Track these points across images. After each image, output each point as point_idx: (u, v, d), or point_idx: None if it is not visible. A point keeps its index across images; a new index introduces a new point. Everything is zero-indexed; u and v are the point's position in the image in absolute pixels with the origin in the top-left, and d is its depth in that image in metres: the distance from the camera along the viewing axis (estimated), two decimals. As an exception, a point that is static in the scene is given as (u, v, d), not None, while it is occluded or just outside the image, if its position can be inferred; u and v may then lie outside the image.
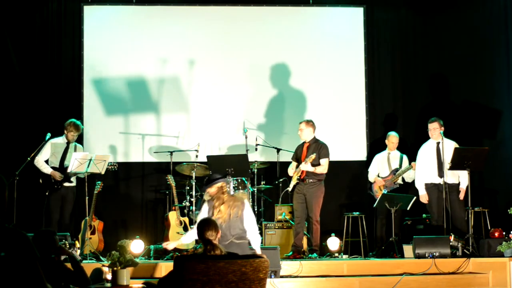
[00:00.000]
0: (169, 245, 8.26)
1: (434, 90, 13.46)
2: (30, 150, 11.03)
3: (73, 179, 11.14)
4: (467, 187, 10.71)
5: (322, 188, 10.82)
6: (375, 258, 10.75)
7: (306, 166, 10.56)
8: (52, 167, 11.10)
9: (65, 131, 11.19)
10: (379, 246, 11.45)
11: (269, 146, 12.24)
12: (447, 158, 10.72)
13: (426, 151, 11.15)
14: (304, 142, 11.00)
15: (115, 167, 11.55)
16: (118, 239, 8.19)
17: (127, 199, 13.06)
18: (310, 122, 11.01)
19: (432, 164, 11.01)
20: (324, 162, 10.72)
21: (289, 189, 10.88)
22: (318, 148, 10.86)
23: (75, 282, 7.24)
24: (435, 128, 11.02)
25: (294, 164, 10.93)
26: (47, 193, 11.03)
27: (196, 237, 8.16)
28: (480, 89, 13.31)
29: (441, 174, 10.85)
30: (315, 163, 10.62)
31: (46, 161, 11.18)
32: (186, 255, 7.02)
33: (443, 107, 13.07)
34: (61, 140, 11.23)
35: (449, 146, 10.86)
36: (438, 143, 10.99)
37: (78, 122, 11.25)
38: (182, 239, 8.34)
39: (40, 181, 11.13)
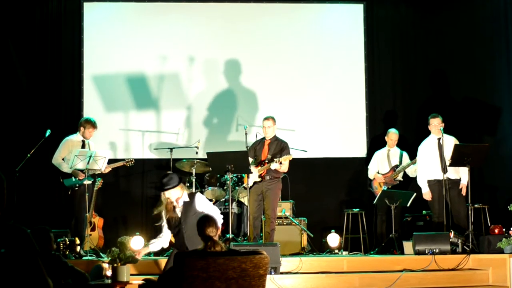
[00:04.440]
0: (140, 254, 7.98)
1: (434, 87, 13.46)
2: (30, 146, 11.02)
3: (90, 176, 11.04)
4: (467, 183, 10.71)
5: (280, 185, 10.83)
6: (375, 255, 10.76)
7: (276, 165, 10.50)
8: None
9: (82, 128, 11.12)
10: (379, 244, 11.45)
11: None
12: (448, 154, 10.71)
13: (427, 148, 11.14)
14: (263, 139, 10.92)
15: (132, 162, 11.55)
16: (118, 236, 8.25)
17: (127, 196, 13.07)
18: (274, 120, 10.95)
19: (434, 161, 10.99)
20: (287, 161, 10.64)
21: (248, 186, 10.77)
22: (281, 146, 10.82)
23: (74, 278, 7.25)
24: (435, 124, 11.01)
25: (251, 161, 10.75)
26: (69, 192, 10.97)
27: (165, 245, 8.20)
28: (480, 86, 13.32)
29: (443, 169, 10.84)
30: (270, 161, 10.58)
31: (63, 160, 11.11)
32: (186, 251, 7.02)
33: (443, 104, 13.07)
34: (76, 138, 11.18)
35: (450, 142, 10.85)
36: (439, 139, 10.98)
37: (94, 120, 11.23)
38: (151, 246, 8.20)
39: (61, 180, 11.05)
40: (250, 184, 10.67)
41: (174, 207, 7.93)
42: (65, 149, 11.06)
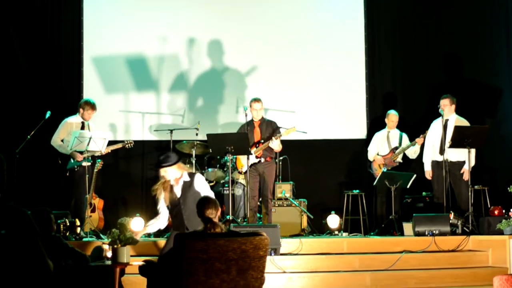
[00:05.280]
0: (138, 236, 7.90)
1: (434, 69, 13.42)
2: (30, 128, 11.02)
3: (89, 158, 11.01)
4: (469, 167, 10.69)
5: (275, 166, 10.89)
6: (375, 236, 10.77)
7: (276, 142, 10.51)
8: None
9: (81, 110, 11.11)
10: (379, 225, 11.47)
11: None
12: (450, 136, 10.70)
13: (435, 128, 11.15)
14: (252, 121, 10.84)
15: (131, 144, 11.56)
16: (118, 217, 8.22)
17: (127, 177, 13.08)
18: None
19: (437, 141, 11.01)
20: (279, 140, 10.66)
21: (244, 170, 10.75)
22: (272, 125, 10.84)
23: (75, 259, 7.26)
24: (445, 105, 11.00)
25: None
26: (67, 174, 10.98)
27: (161, 227, 8.20)
28: (481, 67, 13.29)
29: (441, 151, 10.84)
30: (266, 141, 10.58)
31: (62, 141, 11.11)
32: (186, 233, 7.03)
33: (443, 85, 13.03)
34: (76, 119, 11.17)
35: (457, 123, 10.83)
36: (447, 120, 10.97)
37: (94, 101, 11.21)
38: (148, 228, 8.18)
39: (59, 161, 11.05)
40: (247, 167, 10.65)
41: (171, 186, 7.92)
42: (64, 131, 11.05)
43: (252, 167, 10.65)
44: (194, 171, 11.41)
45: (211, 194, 7.86)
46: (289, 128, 10.60)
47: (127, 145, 11.51)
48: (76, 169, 10.85)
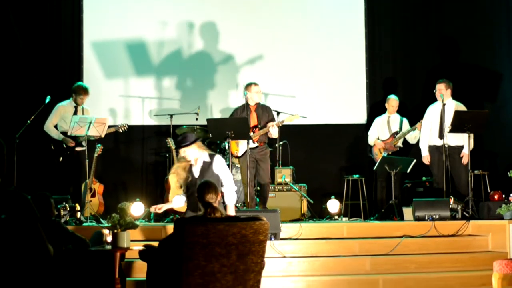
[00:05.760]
0: (162, 208, 8.11)
1: (435, 53, 13.40)
2: (30, 113, 11.01)
3: (84, 143, 11.03)
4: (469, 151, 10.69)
5: (268, 151, 10.79)
6: (375, 221, 10.78)
7: (276, 131, 10.49)
8: (62, 132, 11.06)
9: (74, 95, 11.12)
10: (379, 210, 11.48)
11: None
12: (449, 120, 10.69)
13: (432, 112, 11.14)
14: (247, 105, 10.66)
15: (125, 128, 11.47)
16: (118, 202, 8.23)
17: (127, 162, 13.08)
18: None
19: (435, 126, 11.00)
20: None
21: (240, 154, 10.68)
22: (267, 110, 10.79)
23: (75, 244, 7.28)
24: (440, 89, 10.99)
25: None
26: (60, 159, 11.00)
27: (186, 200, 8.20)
28: (481, 52, 13.27)
29: (441, 135, 10.84)
30: (263, 127, 10.56)
31: (55, 127, 11.12)
32: (186, 217, 7.03)
33: (443, 70, 13.01)
34: (68, 104, 11.17)
35: (454, 109, 10.82)
36: (444, 104, 10.96)
37: (86, 86, 11.20)
38: (174, 201, 8.21)
39: (52, 147, 11.08)
40: (243, 152, 10.61)
41: (190, 166, 7.92)
42: (56, 116, 11.08)
43: (247, 152, 10.59)
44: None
45: (230, 177, 7.89)
46: (293, 115, 10.56)
47: (120, 129, 11.42)
48: (68, 153, 10.90)
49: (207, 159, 7.91)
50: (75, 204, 10.06)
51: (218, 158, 8.00)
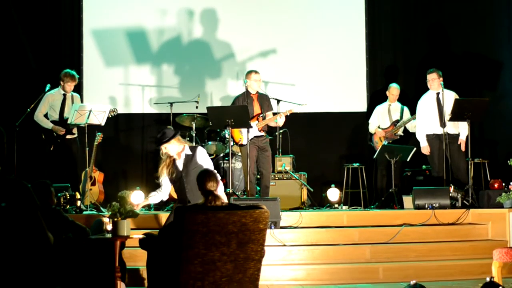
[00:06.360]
0: (138, 207, 8.02)
1: (435, 41, 13.38)
2: (30, 101, 11.00)
3: (74, 130, 11.07)
4: (467, 138, 10.68)
5: (268, 139, 10.76)
6: (375, 209, 10.79)
7: (283, 118, 10.46)
8: (52, 121, 11.05)
9: (61, 82, 11.09)
10: (379, 199, 11.48)
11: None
12: (447, 108, 10.68)
13: (426, 102, 11.10)
14: (248, 93, 10.58)
15: (114, 113, 11.32)
16: (119, 190, 8.21)
17: (128, 150, 13.09)
18: None
19: (433, 115, 10.96)
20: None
21: (244, 142, 10.53)
22: (267, 99, 10.76)
23: (75, 232, 7.28)
24: (433, 79, 10.98)
25: None
26: (51, 148, 11.00)
27: (164, 198, 8.24)
28: (481, 40, 13.25)
29: (442, 124, 10.82)
30: (263, 115, 10.54)
31: (46, 115, 11.11)
32: (186, 206, 7.03)
33: (443, 58, 13.00)
34: (57, 92, 11.14)
35: (449, 97, 10.81)
36: (438, 93, 10.94)
37: (73, 72, 11.15)
38: (150, 199, 8.26)
39: (43, 136, 11.08)
40: (246, 141, 10.57)
41: (174, 160, 7.97)
42: (45, 105, 11.06)
43: (251, 140, 10.57)
44: (194, 144, 11.42)
45: (211, 167, 7.89)
46: (302, 104, 10.51)
47: (110, 114, 11.30)
48: (59, 141, 10.91)
49: (189, 152, 8.04)
50: (75, 193, 10.05)
51: (199, 149, 8.11)
